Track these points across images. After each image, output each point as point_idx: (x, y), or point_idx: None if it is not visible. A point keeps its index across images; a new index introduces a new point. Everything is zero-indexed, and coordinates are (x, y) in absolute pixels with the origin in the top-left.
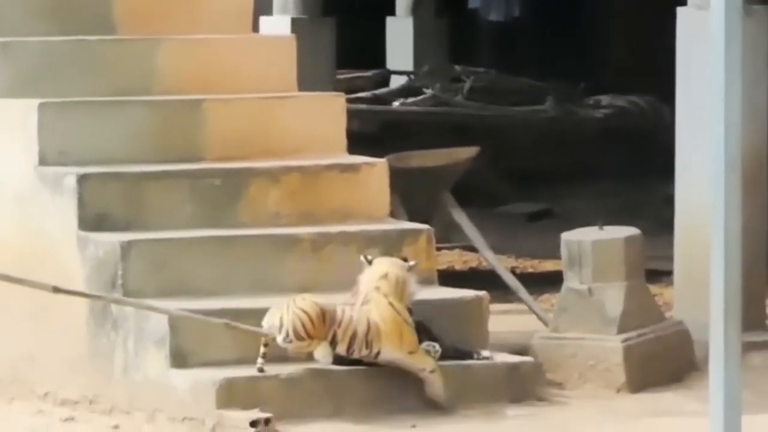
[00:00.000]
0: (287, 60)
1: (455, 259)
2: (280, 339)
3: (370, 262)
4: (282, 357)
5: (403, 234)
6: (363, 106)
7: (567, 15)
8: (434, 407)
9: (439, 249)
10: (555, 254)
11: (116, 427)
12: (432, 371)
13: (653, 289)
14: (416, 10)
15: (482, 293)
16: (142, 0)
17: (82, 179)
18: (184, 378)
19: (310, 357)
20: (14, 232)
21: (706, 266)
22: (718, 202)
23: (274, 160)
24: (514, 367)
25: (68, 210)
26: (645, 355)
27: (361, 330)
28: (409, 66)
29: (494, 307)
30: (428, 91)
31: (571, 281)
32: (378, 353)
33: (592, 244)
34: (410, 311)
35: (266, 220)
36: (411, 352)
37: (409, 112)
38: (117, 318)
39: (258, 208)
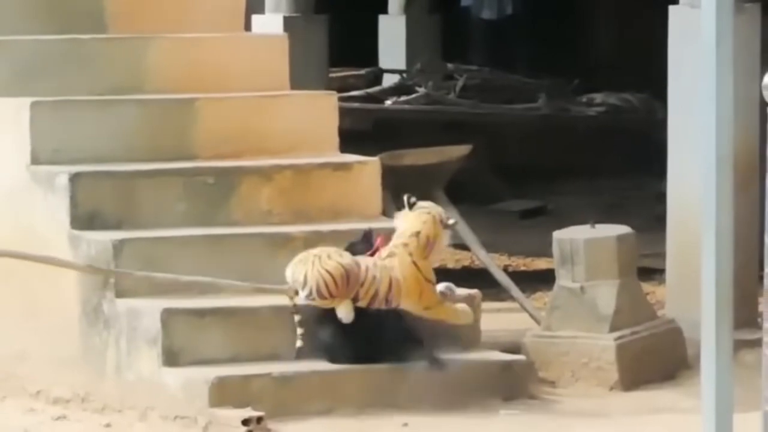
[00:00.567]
0: (279, 58)
1: (448, 258)
2: (303, 295)
3: (411, 206)
4: (274, 355)
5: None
6: (355, 105)
7: (560, 12)
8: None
9: None
10: (548, 252)
11: (108, 425)
12: (455, 316)
13: (646, 287)
14: (409, 8)
15: (474, 291)
16: None
17: (74, 178)
18: (176, 376)
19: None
20: (6, 230)
21: (699, 264)
22: (709, 199)
23: (267, 159)
24: (506, 366)
25: (60, 208)
26: (637, 353)
27: (383, 289)
28: (401, 64)
29: (486, 305)
30: (421, 90)
31: (563, 279)
32: (398, 306)
33: (585, 242)
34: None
35: (259, 219)
36: (427, 308)
37: (402, 110)
38: (109, 317)
39: (250, 206)
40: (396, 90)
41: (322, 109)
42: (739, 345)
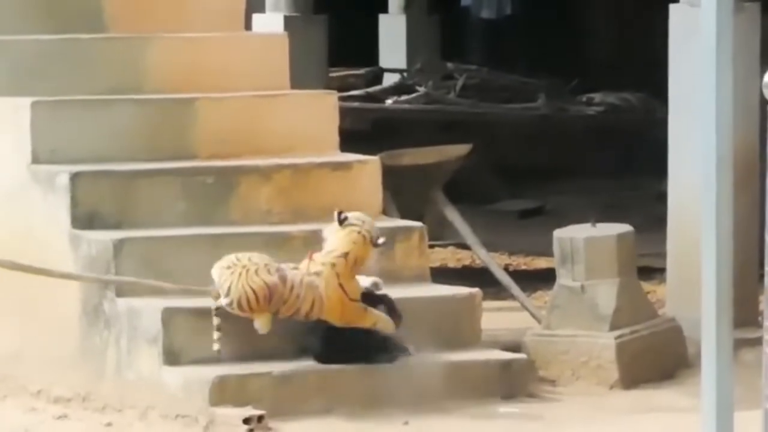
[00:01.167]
0: (279, 58)
1: (448, 257)
2: (224, 302)
3: (342, 222)
4: (274, 354)
5: (396, 231)
6: (355, 104)
7: (559, 12)
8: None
9: (431, 246)
10: (548, 251)
11: (109, 424)
12: (375, 324)
13: (646, 286)
14: (409, 8)
15: (475, 290)
16: None
17: (74, 177)
18: (176, 375)
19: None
20: (5, 230)
21: (699, 263)
22: (709, 198)
23: (266, 158)
24: (506, 364)
25: (61, 208)
26: (637, 351)
27: (305, 308)
28: (401, 63)
29: (487, 304)
30: (421, 89)
31: (563, 278)
32: (317, 319)
33: (585, 241)
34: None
35: (258, 218)
36: (348, 323)
37: (402, 109)
38: (109, 316)
39: (250, 205)
40: (396, 89)
41: (322, 108)
42: (740, 344)
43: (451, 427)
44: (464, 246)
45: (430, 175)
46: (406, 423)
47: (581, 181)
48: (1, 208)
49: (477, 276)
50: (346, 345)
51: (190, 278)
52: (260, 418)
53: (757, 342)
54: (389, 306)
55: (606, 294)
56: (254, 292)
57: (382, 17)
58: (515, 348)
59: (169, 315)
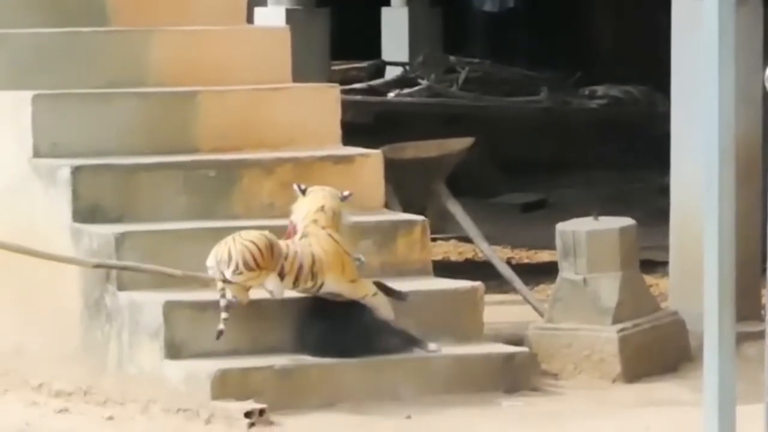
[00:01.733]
0: (281, 51)
1: (450, 250)
2: (229, 272)
3: (303, 192)
4: (276, 347)
5: (398, 225)
6: (358, 97)
7: (561, 5)
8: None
9: (434, 240)
10: (550, 245)
11: (110, 418)
12: (374, 295)
13: (649, 279)
14: (411, 1)
15: (477, 284)
16: None
17: (76, 171)
18: (178, 369)
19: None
20: (7, 224)
21: (701, 256)
22: (711, 191)
23: (268, 152)
24: (509, 358)
25: (62, 202)
26: (640, 345)
27: (307, 263)
28: (404, 57)
29: (489, 297)
30: (423, 82)
31: (565, 272)
32: (321, 285)
33: (587, 234)
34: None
35: (260, 212)
36: (352, 281)
37: (404, 102)
38: (111, 310)
39: (252, 199)
40: (398, 83)
41: (324, 102)
42: (742, 337)
43: (454, 421)
44: (466, 239)
45: (433, 169)
46: (409, 417)
47: (584, 174)
48: (3, 202)
49: (479, 269)
50: (345, 339)
51: (191, 271)
52: (261, 412)
53: (760, 336)
54: (384, 289)
55: (608, 287)
56: (254, 244)
57: (384, 10)
58: (518, 341)
59: (170, 309)
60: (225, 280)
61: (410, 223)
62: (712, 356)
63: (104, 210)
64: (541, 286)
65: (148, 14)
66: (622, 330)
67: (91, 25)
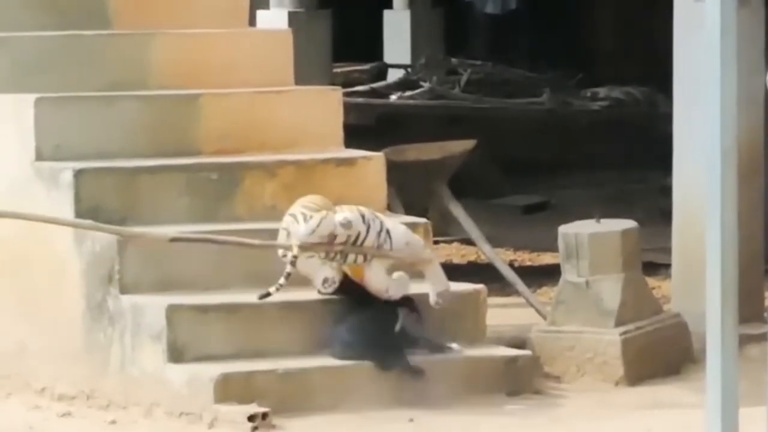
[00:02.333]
0: (283, 54)
1: (453, 253)
2: (302, 227)
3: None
4: (279, 350)
5: None
6: (360, 100)
7: (563, 7)
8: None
9: (436, 242)
10: (553, 247)
11: (113, 422)
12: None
13: (652, 281)
14: (413, 3)
15: (480, 286)
16: None
17: (78, 174)
18: (180, 373)
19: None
20: (9, 226)
21: (704, 258)
22: (713, 192)
23: (271, 154)
24: (511, 361)
25: (65, 205)
26: (642, 347)
27: (361, 208)
28: (406, 59)
29: (492, 300)
30: (425, 84)
31: (568, 274)
32: (388, 231)
33: (589, 236)
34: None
35: (262, 214)
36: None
37: (406, 105)
38: (113, 313)
39: (254, 201)
40: (400, 85)
41: (327, 104)
42: (745, 339)
43: (457, 424)
44: (469, 242)
45: (435, 171)
46: (412, 420)
47: (586, 175)
48: (5, 205)
49: (482, 272)
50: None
51: (195, 275)
52: (265, 415)
53: (762, 337)
54: (411, 307)
55: (611, 290)
56: (310, 197)
57: (386, 13)
58: (520, 344)
59: (173, 311)
60: (303, 246)
61: (412, 226)
62: (715, 358)
63: (106, 213)
64: (544, 289)
65: (150, 17)
66: (624, 332)
67: (94, 27)
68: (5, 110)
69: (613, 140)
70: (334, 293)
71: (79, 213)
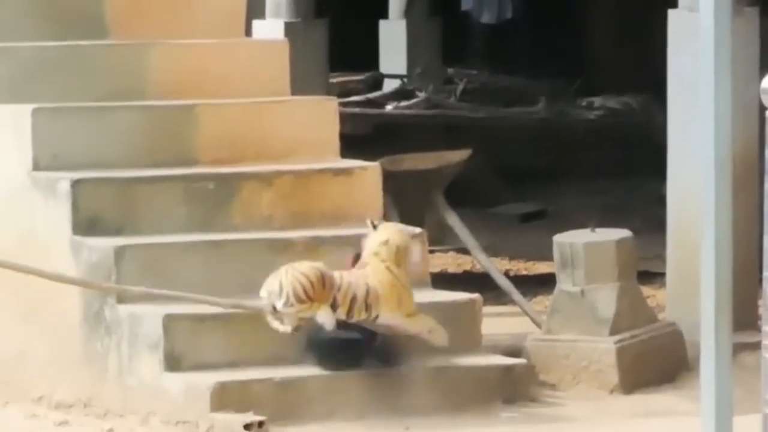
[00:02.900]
0: (280, 64)
1: (449, 262)
2: (280, 304)
3: (375, 227)
4: (275, 359)
5: None
6: (356, 109)
7: (559, 16)
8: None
9: (432, 251)
10: (548, 256)
11: (110, 430)
12: (430, 331)
13: (647, 290)
14: (409, 13)
15: (475, 296)
16: (134, 4)
17: (76, 184)
18: (177, 381)
19: (308, 322)
20: (6, 236)
21: (699, 266)
22: (708, 202)
23: (267, 164)
24: (507, 369)
25: (62, 215)
26: (638, 356)
27: (360, 294)
28: (402, 69)
29: (488, 309)
30: (421, 94)
31: (563, 283)
32: (376, 317)
33: (584, 246)
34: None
35: (259, 224)
36: (409, 315)
37: (402, 114)
38: (110, 322)
39: (251, 211)
40: (396, 95)
41: (323, 114)
42: (739, 348)
43: None
44: (465, 251)
45: (431, 180)
46: (408, 429)
47: (582, 184)
48: (3, 214)
49: (477, 281)
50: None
51: (192, 285)
52: (261, 424)
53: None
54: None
55: (606, 298)
56: (305, 276)
57: (382, 22)
58: (516, 353)
59: (169, 321)
60: (276, 311)
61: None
62: (709, 366)
63: (104, 222)
64: (539, 298)
65: (148, 27)
66: (619, 341)
67: (91, 37)
68: (3, 120)
69: (609, 149)
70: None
71: (77, 223)
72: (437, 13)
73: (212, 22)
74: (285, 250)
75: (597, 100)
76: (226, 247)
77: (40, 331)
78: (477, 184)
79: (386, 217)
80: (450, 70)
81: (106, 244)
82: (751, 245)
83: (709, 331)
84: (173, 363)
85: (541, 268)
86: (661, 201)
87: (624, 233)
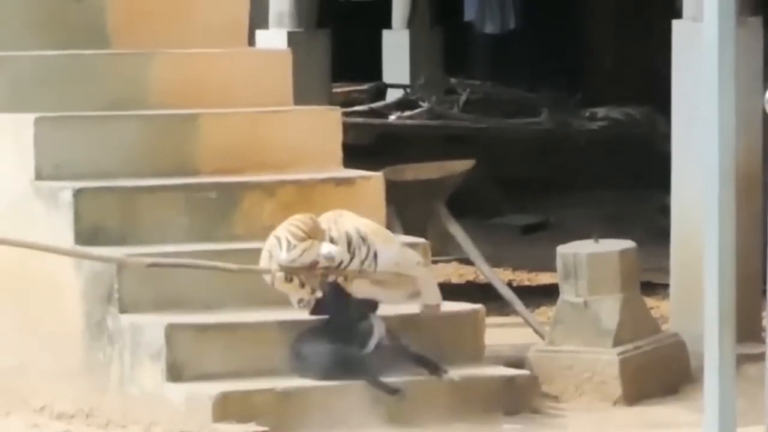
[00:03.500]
0: (282, 73)
1: (452, 272)
2: (284, 253)
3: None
4: (277, 369)
5: None
6: (359, 119)
7: (562, 27)
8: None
9: (435, 262)
10: (551, 266)
11: None
12: (424, 264)
13: (650, 301)
14: (412, 23)
15: (478, 306)
16: (136, 14)
17: (78, 193)
18: (179, 391)
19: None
20: (9, 246)
21: (702, 278)
22: (711, 212)
23: (269, 174)
24: (510, 380)
25: (64, 224)
26: (641, 367)
27: (352, 229)
28: (404, 79)
29: (490, 320)
30: (424, 104)
31: (566, 294)
32: (375, 253)
33: (588, 256)
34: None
35: (261, 234)
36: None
37: (405, 125)
38: (113, 332)
39: (253, 221)
40: (399, 105)
41: (325, 124)
42: (742, 359)
43: None
44: (467, 261)
45: (434, 191)
46: None
47: (585, 194)
48: (5, 224)
49: (480, 291)
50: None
51: (193, 294)
52: None
53: (760, 357)
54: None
55: (609, 309)
56: (296, 220)
57: (385, 33)
58: (519, 364)
59: (172, 330)
60: (284, 269)
61: (411, 246)
62: (713, 378)
63: (106, 232)
64: (542, 308)
65: (149, 36)
66: (623, 352)
67: (93, 47)
68: (5, 129)
69: (612, 160)
70: (313, 311)
71: (79, 232)
72: (440, 24)
73: (214, 31)
74: None
75: (600, 111)
76: (228, 257)
77: (41, 341)
78: (479, 195)
79: (389, 227)
80: (453, 81)
81: (108, 253)
82: (755, 256)
83: (712, 342)
84: (175, 373)
85: (544, 278)
86: (664, 211)
87: (627, 244)
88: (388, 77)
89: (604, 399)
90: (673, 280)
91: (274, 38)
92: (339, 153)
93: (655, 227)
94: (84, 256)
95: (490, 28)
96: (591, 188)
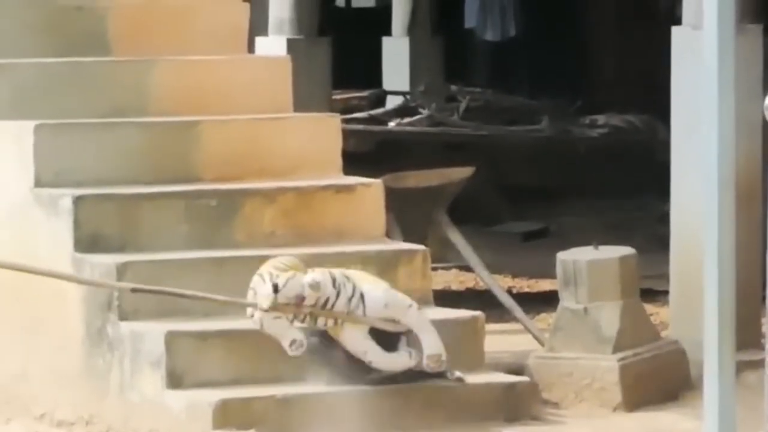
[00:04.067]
0: (282, 80)
1: (451, 279)
2: (268, 284)
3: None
4: (277, 377)
5: (399, 254)
6: (359, 126)
7: (563, 35)
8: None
9: (435, 269)
10: (551, 273)
11: None
12: (417, 308)
13: (650, 308)
14: (412, 30)
15: (478, 313)
16: (137, 21)
17: (77, 201)
18: (179, 399)
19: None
20: (8, 253)
21: (701, 285)
22: (711, 220)
23: (270, 181)
24: (509, 387)
25: (64, 231)
26: (641, 374)
27: (335, 270)
28: (404, 86)
29: (490, 326)
30: (424, 111)
31: (566, 301)
32: (362, 293)
33: (588, 263)
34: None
35: (261, 241)
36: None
37: (405, 132)
38: (113, 339)
39: (253, 228)
40: (399, 112)
41: (325, 131)
42: (742, 366)
43: None
44: (467, 268)
45: (433, 198)
46: None
47: (585, 202)
48: (5, 231)
49: (480, 298)
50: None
51: (193, 301)
52: None
53: (760, 364)
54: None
55: (609, 316)
56: (278, 260)
57: (385, 39)
58: (518, 370)
59: (172, 338)
60: (268, 307)
61: (411, 253)
62: (712, 385)
63: (106, 239)
64: (542, 315)
65: (150, 44)
66: (622, 359)
67: (93, 54)
68: (5, 136)
69: (612, 167)
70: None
71: (79, 239)
72: (440, 31)
73: (215, 38)
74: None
75: (600, 118)
76: (228, 264)
77: (41, 348)
78: (479, 202)
79: (389, 235)
80: (453, 88)
81: (108, 261)
82: (754, 263)
83: (712, 349)
84: (175, 380)
85: (544, 285)
86: (663, 219)
87: (627, 251)
88: (388, 84)
89: (604, 405)
90: (673, 287)
91: (274, 45)
92: (339, 160)
93: (654, 234)
94: (69, 279)
95: (490, 36)
96: (591, 195)
